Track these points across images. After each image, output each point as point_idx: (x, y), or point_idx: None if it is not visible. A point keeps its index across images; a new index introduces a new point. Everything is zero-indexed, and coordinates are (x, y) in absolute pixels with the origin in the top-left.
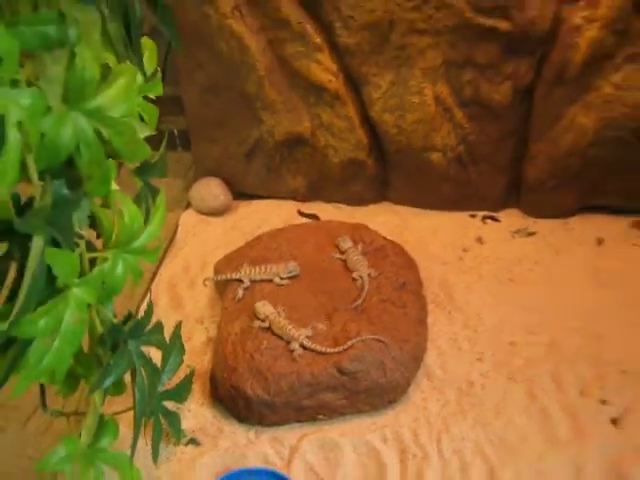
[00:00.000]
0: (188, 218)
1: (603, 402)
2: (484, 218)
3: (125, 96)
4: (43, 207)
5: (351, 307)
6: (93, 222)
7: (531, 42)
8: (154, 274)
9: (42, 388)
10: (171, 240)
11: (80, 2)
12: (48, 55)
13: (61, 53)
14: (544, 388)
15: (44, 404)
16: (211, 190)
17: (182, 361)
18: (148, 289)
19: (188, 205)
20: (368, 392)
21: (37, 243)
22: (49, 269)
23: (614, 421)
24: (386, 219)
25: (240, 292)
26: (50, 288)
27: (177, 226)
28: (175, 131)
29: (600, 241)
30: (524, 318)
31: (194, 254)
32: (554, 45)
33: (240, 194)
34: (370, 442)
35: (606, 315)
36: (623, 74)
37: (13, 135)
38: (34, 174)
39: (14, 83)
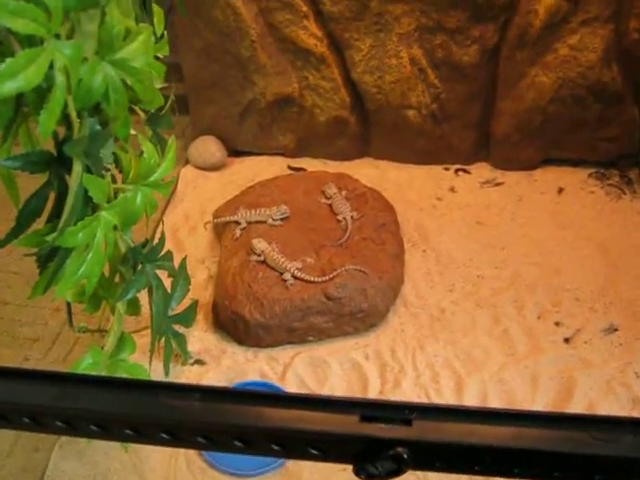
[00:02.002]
0: (187, 173)
1: (557, 324)
2: (456, 171)
3: (144, 50)
4: (82, 138)
5: (336, 244)
6: (115, 160)
7: (495, 8)
8: (158, 220)
9: (69, 307)
10: (172, 193)
11: None
12: (83, 14)
13: (94, 12)
14: (506, 313)
15: (71, 322)
16: (208, 147)
17: (188, 290)
18: (155, 227)
19: (187, 162)
20: (352, 315)
21: (77, 167)
22: (85, 193)
23: (567, 340)
24: (367, 172)
25: (238, 232)
26: (84, 210)
27: (177, 180)
28: (173, 96)
29: (560, 190)
30: (490, 255)
31: (193, 204)
32: (516, 11)
33: (234, 151)
34: (354, 359)
35: (563, 252)
36: (578, 37)
37: (60, 78)
38: (73, 112)
39: (57, 36)
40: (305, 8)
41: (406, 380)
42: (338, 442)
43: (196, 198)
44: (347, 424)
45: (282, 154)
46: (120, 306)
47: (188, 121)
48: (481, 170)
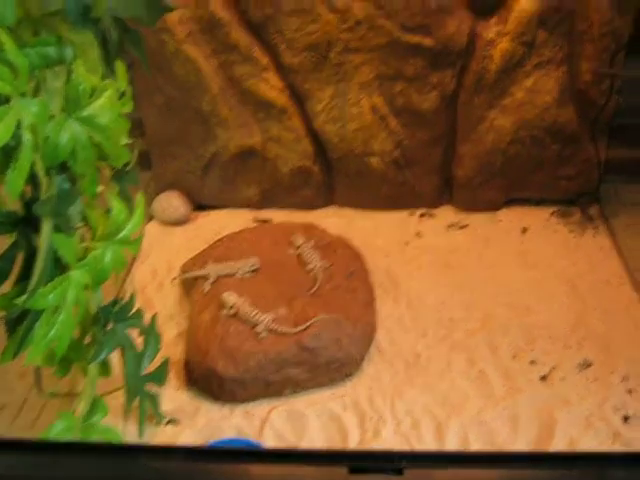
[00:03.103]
0: (151, 229)
1: (532, 363)
2: (421, 215)
3: (110, 106)
4: (50, 197)
5: (308, 294)
6: (82, 218)
7: (452, 55)
8: (124, 278)
9: (38, 372)
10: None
11: (77, 27)
12: (49, 71)
13: (60, 69)
14: (481, 355)
15: (40, 387)
16: (171, 202)
17: (159, 348)
18: (121, 285)
19: (151, 218)
20: (327, 366)
21: (46, 227)
22: (54, 253)
23: (543, 378)
24: (333, 220)
25: (207, 286)
26: (54, 270)
27: (142, 237)
28: (136, 152)
29: (525, 229)
30: (461, 298)
31: (160, 260)
32: (472, 57)
33: (198, 205)
34: (331, 410)
35: (532, 291)
36: (533, 80)
37: (27, 136)
38: (40, 170)
39: (23, 94)
40: (265, 61)
41: (386, 429)
42: None
43: (162, 254)
44: (336, 478)
45: (247, 206)
46: (92, 368)
47: (150, 177)
48: (445, 213)
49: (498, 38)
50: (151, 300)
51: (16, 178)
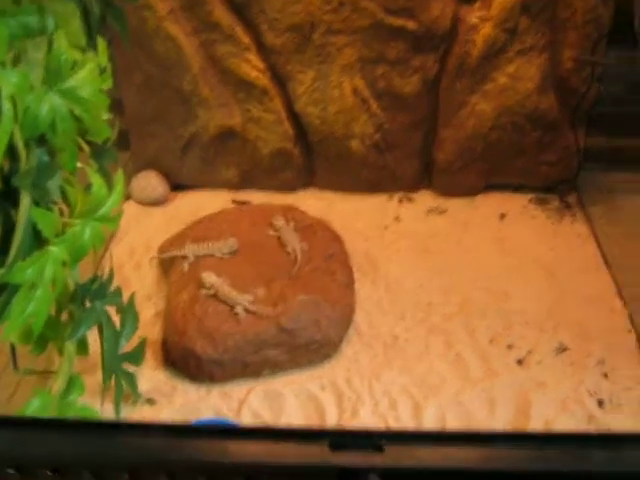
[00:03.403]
0: (129, 209)
1: (509, 347)
2: (400, 199)
3: (91, 79)
4: (30, 169)
5: (287, 276)
6: (61, 193)
7: (435, 39)
8: (102, 255)
9: (13, 350)
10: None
11: None
12: (30, 42)
13: (41, 40)
14: (459, 339)
15: (15, 364)
16: (150, 182)
17: (137, 327)
18: (98, 263)
19: (128, 197)
20: (306, 347)
21: (25, 200)
22: (33, 227)
23: (519, 362)
24: (313, 203)
25: (186, 266)
26: (33, 245)
27: (121, 214)
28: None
29: (503, 215)
30: (439, 282)
31: (137, 240)
32: (455, 42)
33: (177, 186)
34: (309, 390)
35: (510, 276)
36: (515, 66)
37: (7, 106)
38: (20, 142)
39: (2, 64)
40: (247, 40)
41: (364, 409)
42: (309, 474)
43: (140, 233)
44: (317, 454)
45: (226, 187)
46: (70, 346)
47: (128, 156)
48: (425, 198)
49: (481, 23)
50: (128, 279)
51: None
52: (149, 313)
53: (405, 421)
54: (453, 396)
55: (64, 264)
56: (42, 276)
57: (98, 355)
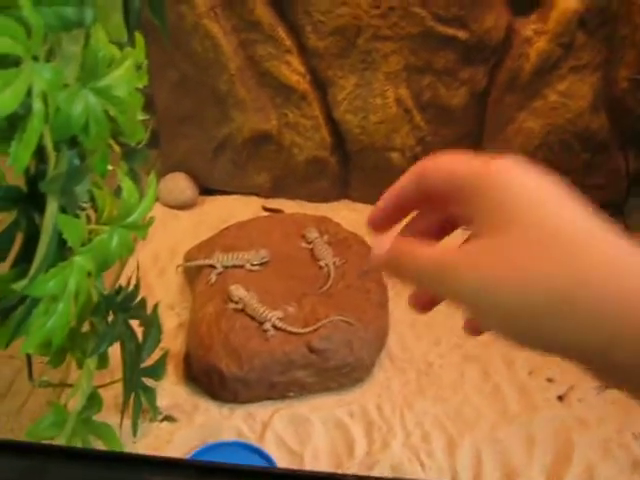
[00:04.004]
0: (155, 211)
1: (549, 381)
2: None
3: (129, 78)
4: (59, 174)
5: (319, 292)
6: (90, 199)
7: (486, 51)
8: (125, 261)
9: (29, 360)
10: None
11: None
12: (65, 35)
13: (78, 33)
14: (496, 369)
15: (31, 375)
16: (178, 184)
17: (160, 340)
18: (119, 271)
19: (155, 190)
20: (336, 370)
21: (52, 207)
22: (59, 235)
23: (560, 397)
24: (346, 215)
25: (213, 277)
26: (57, 254)
27: (152, 221)
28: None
29: None
30: None
31: (163, 245)
32: (507, 54)
33: (206, 189)
34: (338, 417)
35: None
36: (567, 83)
37: (38, 105)
38: (49, 144)
39: (35, 58)
40: (288, 42)
41: (395, 440)
42: None
43: (166, 238)
44: None
45: (256, 194)
46: (90, 362)
47: (156, 155)
48: None
49: (536, 36)
50: (152, 287)
51: (23, 151)
52: (172, 324)
53: (438, 457)
54: (489, 431)
55: (89, 274)
56: (65, 289)
57: (116, 365)
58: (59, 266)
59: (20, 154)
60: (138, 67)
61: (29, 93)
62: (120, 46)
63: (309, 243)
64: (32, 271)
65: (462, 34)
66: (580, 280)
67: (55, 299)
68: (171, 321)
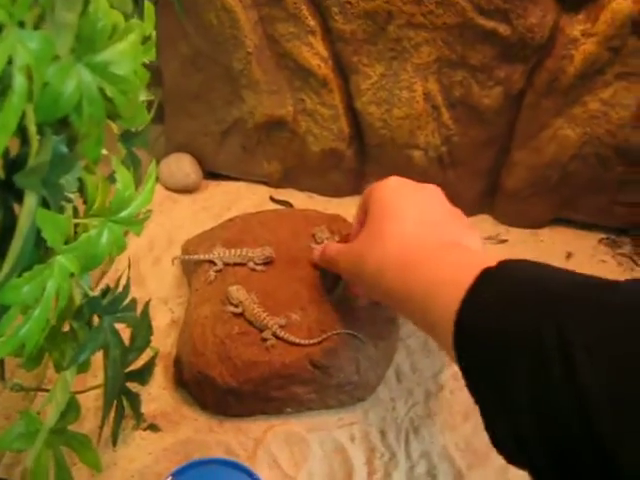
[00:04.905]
0: (155, 193)
1: None
2: None
3: (132, 54)
4: (40, 164)
5: (326, 299)
6: (79, 187)
7: (527, 49)
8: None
9: (1, 361)
10: None
11: None
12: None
13: None
14: None
15: (2, 377)
16: (182, 166)
17: (149, 342)
18: (107, 264)
19: (155, 180)
20: (339, 388)
21: (30, 202)
22: (38, 232)
23: None
24: None
25: (212, 274)
26: (34, 254)
27: (149, 215)
28: (153, 109)
29: (569, 255)
30: None
31: (160, 231)
32: (549, 55)
33: (210, 173)
34: (337, 439)
35: None
36: (612, 91)
37: (19, 79)
38: (32, 125)
39: (21, 25)
40: (313, 22)
41: (397, 471)
42: None
43: (163, 224)
44: None
45: (264, 182)
46: (68, 374)
47: (159, 132)
48: (483, 224)
49: (583, 38)
50: (144, 277)
51: (0, 132)
52: (163, 321)
53: None
54: (500, 468)
55: (72, 275)
56: (42, 294)
57: (98, 366)
58: (36, 268)
59: None
60: (146, 39)
61: (10, 64)
62: (126, 16)
63: (319, 243)
64: (1, 276)
65: (503, 29)
66: (385, 254)
67: (30, 305)
68: (163, 317)
